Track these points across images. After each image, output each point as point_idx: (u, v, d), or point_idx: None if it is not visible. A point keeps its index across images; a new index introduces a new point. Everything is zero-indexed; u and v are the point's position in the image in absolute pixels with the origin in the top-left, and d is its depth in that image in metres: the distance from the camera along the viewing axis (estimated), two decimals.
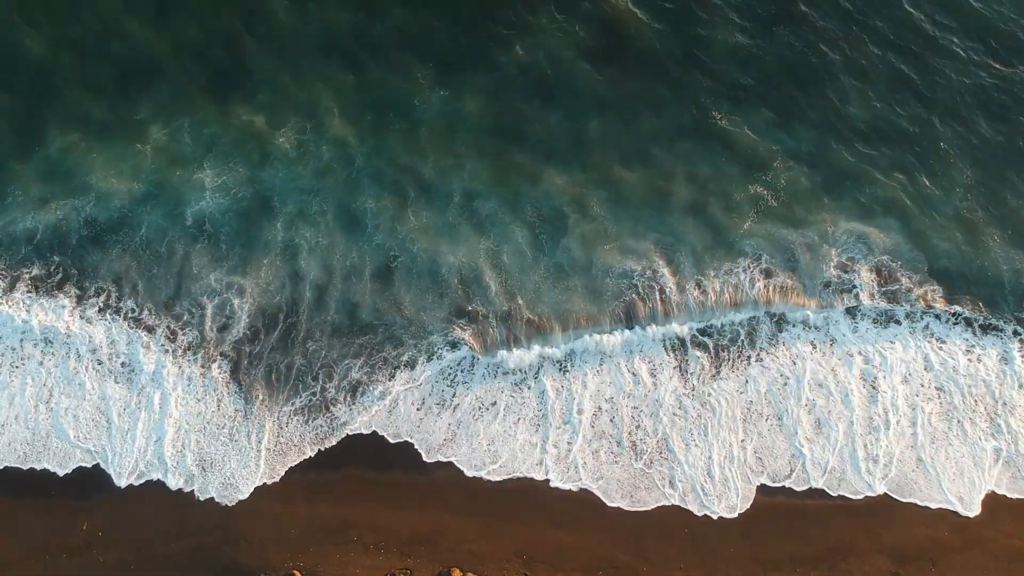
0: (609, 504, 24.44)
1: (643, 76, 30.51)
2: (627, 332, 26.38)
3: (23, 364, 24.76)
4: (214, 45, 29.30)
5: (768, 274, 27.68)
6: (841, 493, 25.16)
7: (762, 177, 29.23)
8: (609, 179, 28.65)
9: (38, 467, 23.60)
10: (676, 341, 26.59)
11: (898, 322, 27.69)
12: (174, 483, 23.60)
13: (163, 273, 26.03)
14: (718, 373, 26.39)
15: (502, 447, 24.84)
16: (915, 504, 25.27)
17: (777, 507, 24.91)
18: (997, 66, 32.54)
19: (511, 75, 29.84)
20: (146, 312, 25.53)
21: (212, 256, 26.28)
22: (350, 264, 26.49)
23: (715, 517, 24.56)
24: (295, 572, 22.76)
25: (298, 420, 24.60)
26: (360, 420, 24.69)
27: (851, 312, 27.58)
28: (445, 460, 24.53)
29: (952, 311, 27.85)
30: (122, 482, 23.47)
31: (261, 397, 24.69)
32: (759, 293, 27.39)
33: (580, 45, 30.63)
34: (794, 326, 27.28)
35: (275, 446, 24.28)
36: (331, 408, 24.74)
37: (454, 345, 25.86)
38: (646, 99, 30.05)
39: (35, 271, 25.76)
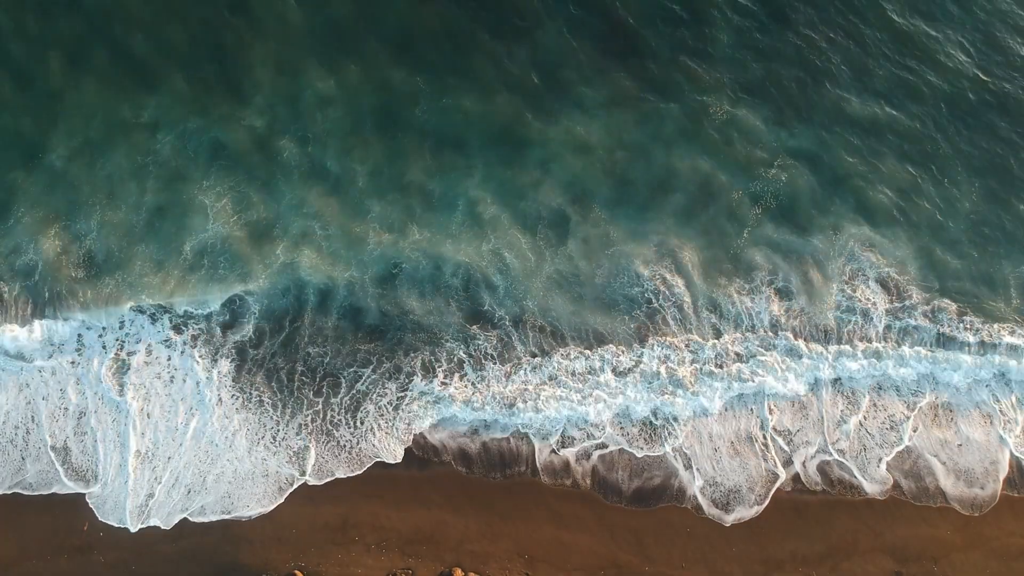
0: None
1: (643, 76, 30.84)
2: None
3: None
4: (212, 55, 29.10)
5: (781, 294, 27.72)
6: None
7: (767, 180, 29.42)
8: (612, 181, 28.87)
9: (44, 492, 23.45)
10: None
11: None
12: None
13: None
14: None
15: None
16: (916, 503, 25.34)
17: (779, 506, 24.89)
18: (1003, 70, 33.16)
19: (511, 78, 30.10)
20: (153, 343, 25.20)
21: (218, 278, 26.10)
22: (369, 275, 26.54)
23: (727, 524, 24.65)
24: (296, 572, 22.68)
25: (327, 449, 24.35)
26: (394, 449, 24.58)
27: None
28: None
29: (963, 321, 28.08)
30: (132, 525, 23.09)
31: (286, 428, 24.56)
32: (772, 318, 27.58)
33: (579, 46, 30.93)
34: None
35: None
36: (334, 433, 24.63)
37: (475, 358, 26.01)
38: (647, 99, 30.40)
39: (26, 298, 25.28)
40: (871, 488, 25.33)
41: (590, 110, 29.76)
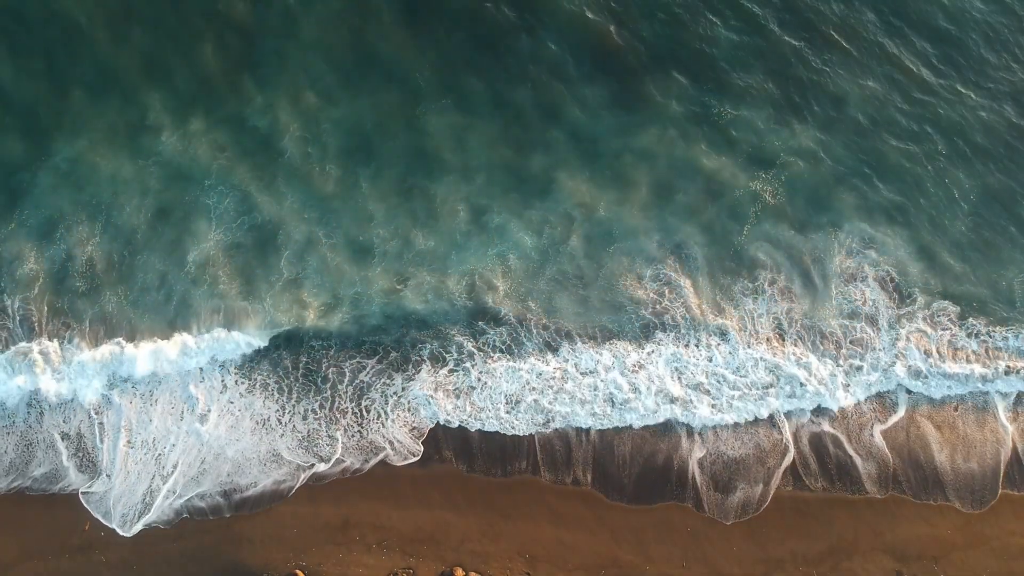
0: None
1: (644, 78, 30.92)
2: None
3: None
4: (211, 58, 29.02)
5: (784, 297, 27.77)
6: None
7: (768, 180, 29.54)
8: (615, 183, 28.97)
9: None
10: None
11: None
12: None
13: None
14: None
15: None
16: (917, 501, 25.42)
17: (779, 505, 24.95)
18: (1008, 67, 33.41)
19: (510, 80, 30.16)
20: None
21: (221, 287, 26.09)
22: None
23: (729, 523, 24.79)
24: (297, 572, 22.69)
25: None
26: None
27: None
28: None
29: (970, 328, 28.22)
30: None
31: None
32: (775, 321, 27.65)
33: (579, 48, 31.05)
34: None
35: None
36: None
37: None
38: (648, 100, 30.49)
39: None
40: (867, 468, 25.48)
41: (591, 112, 29.83)
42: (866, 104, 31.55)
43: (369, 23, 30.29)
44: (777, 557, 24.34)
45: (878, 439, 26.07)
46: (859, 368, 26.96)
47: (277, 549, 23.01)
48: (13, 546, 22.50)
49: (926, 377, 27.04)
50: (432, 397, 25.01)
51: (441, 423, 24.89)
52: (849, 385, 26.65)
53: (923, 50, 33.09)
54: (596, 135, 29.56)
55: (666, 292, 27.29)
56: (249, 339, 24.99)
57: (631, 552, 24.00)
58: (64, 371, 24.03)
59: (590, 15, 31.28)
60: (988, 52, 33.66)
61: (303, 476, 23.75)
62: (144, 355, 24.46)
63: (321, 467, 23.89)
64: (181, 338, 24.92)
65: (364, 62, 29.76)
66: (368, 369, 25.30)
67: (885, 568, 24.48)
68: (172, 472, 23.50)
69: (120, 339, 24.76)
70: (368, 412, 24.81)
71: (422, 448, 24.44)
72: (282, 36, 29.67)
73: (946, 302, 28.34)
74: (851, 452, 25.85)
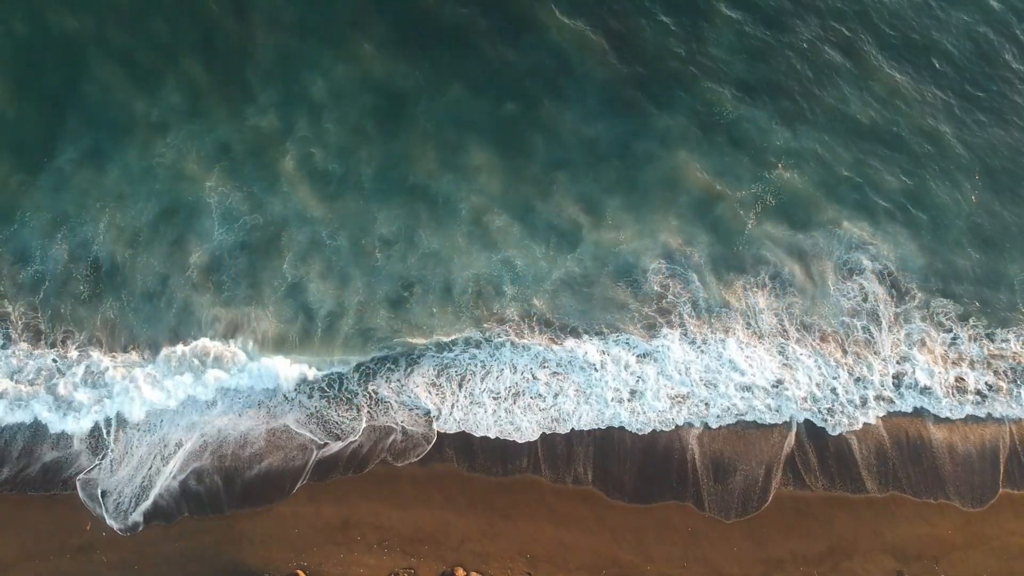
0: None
1: (645, 78, 31.12)
2: None
3: None
4: (210, 57, 29.28)
5: (785, 296, 27.93)
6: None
7: (770, 180, 29.71)
8: (616, 182, 29.14)
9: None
10: None
11: None
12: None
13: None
14: None
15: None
16: (917, 499, 25.45)
17: (780, 505, 24.96)
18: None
19: (513, 79, 30.34)
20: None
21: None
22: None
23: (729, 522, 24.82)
24: (298, 572, 22.68)
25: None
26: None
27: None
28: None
29: (972, 331, 28.33)
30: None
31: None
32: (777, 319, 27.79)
33: (580, 48, 31.13)
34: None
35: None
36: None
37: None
38: (649, 101, 30.71)
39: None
40: (864, 456, 25.55)
41: (593, 113, 30.03)
42: (866, 105, 31.73)
43: (369, 27, 30.48)
44: (777, 557, 24.33)
45: (874, 420, 26.17)
46: (862, 393, 26.95)
47: (278, 549, 23.00)
48: (13, 546, 22.48)
49: (930, 394, 27.09)
50: (434, 387, 25.22)
51: (439, 422, 25.01)
52: (851, 412, 26.70)
53: (922, 54, 33.34)
54: (597, 138, 29.71)
55: (669, 291, 27.41)
56: (257, 363, 25.15)
57: (631, 552, 24.00)
58: (64, 404, 24.13)
59: (584, 23, 31.51)
60: (983, 58, 33.92)
61: (315, 455, 23.89)
62: (147, 392, 24.48)
63: (337, 445, 24.02)
64: (183, 351, 25.12)
65: (365, 64, 29.91)
66: (373, 359, 25.53)
67: (885, 568, 24.48)
68: (175, 451, 23.62)
69: (123, 364, 24.78)
70: (377, 394, 25.02)
71: (436, 434, 24.54)
72: (282, 39, 29.85)
73: (946, 300, 28.43)
74: (847, 436, 26.00)
